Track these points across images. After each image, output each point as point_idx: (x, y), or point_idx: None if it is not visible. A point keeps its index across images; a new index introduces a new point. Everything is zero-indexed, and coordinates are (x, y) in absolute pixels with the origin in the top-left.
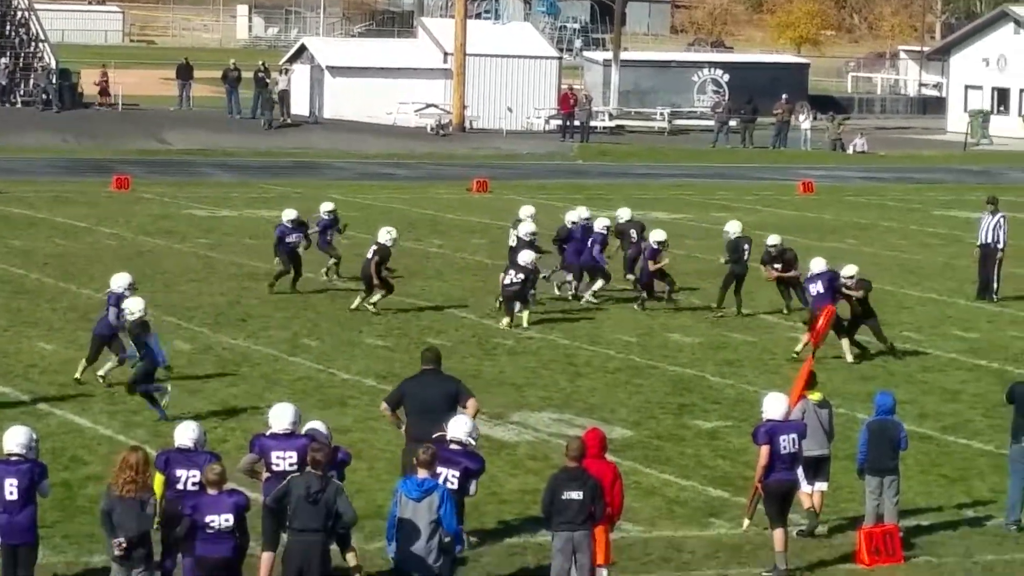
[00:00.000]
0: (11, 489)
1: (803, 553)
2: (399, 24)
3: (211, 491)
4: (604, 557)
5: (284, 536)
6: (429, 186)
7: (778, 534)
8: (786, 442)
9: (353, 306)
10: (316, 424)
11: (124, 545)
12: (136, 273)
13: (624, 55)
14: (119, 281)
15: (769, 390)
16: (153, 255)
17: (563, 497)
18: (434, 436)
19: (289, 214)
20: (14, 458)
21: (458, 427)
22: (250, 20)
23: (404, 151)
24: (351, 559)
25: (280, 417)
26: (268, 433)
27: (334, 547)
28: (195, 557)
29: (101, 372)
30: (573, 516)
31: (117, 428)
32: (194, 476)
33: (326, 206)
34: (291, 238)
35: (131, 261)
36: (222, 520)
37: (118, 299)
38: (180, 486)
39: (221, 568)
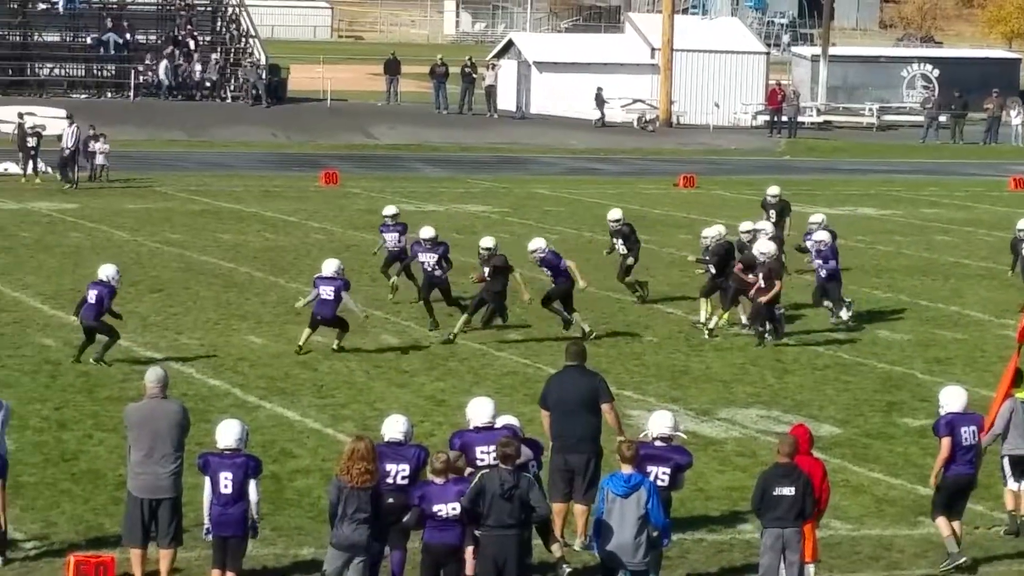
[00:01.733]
0: (226, 482)
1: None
2: (606, 19)
3: (437, 480)
4: (811, 554)
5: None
6: (635, 181)
7: (941, 521)
8: (966, 434)
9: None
10: (509, 419)
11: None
12: (344, 267)
13: (832, 50)
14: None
15: (979, 389)
16: (361, 249)
17: (775, 493)
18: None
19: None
20: (228, 452)
21: (662, 422)
22: (457, 16)
23: (610, 146)
24: (556, 550)
25: (481, 411)
26: (472, 428)
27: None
28: (423, 544)
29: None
30: (784, 513)
31: (325, 421)
32: (403, 470)
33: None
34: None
35: (339, 255)
36: (449, 509)
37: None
38: (390, 480)
39: (448, 555)
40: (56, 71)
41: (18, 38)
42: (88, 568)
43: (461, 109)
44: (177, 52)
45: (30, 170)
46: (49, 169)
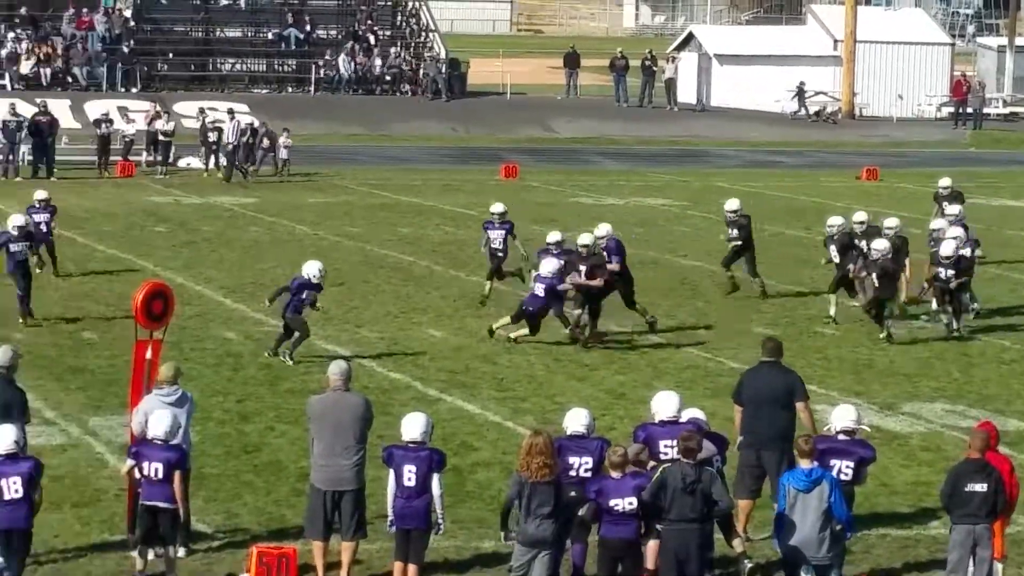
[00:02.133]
0: (409, 475)
1: None
2: (787, 11)
3: (614, 474)
4: (999, 551)
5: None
6: (817, 174)
7: None
8: None
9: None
10: (695, 413)
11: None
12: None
13: (1019, 41)
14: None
15: None
16: (538, 244)
17: (966, 489)
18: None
19: (497, 207)
20: (413, 445)
21: (845, 416)
22: (637, 8)
23: (791, 139)
24: (737, 545)
25: (666, 405)
26: (656, 421)
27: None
28: (600, 539)
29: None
30: (976, 509)
31: (506, 414)
32: (586, 463)
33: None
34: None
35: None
36: (625, 503)
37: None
38: (573, 473)
39: (625, 549)
40: (237, 66)
41: (200, 34)
42: (270, 559)
43: (641, 102)
44: (357, 47)
45: (212, 165)
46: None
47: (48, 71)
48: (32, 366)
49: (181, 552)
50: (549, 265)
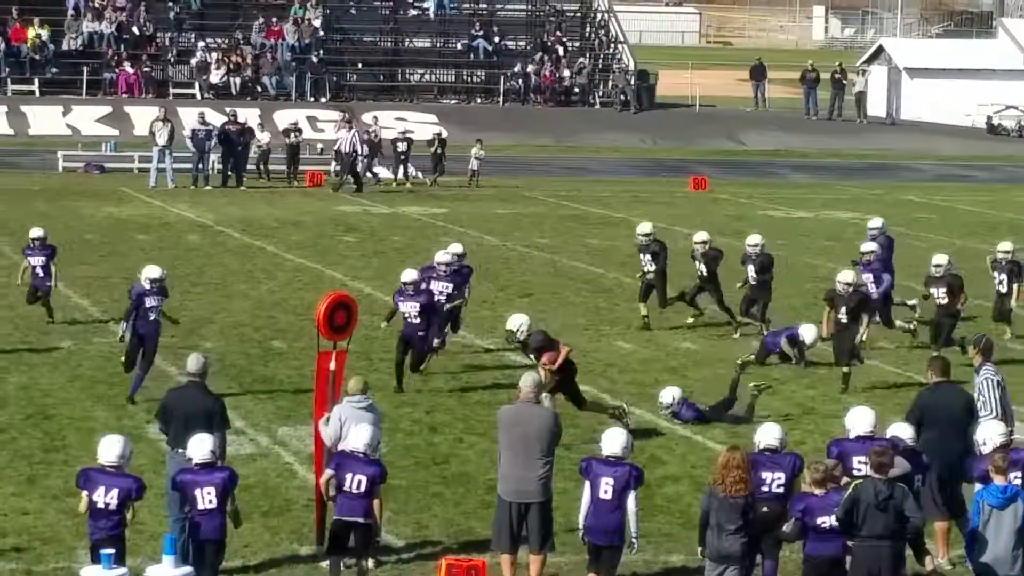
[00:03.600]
0: (606, 488)
1: None
2: (978, 24)
3: (817, 491)
4: None
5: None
6: (1010, 188)
7: None
8: None
9: None
10: (898, 429)
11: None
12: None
13: None
14: None
15: None
16: (727, 256)
17: None
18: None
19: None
20: (612, 459)
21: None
22: (826, 21)
23: (983, 152)
24: (928, 563)
25: (861, 420)
26: (851, 437)
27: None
28: (805, 556)
29: None
30: None
31: (695, 429)
32: (779, 478)
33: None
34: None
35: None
36: (831, 520)
37: None
38: (765, 488)
39: (832, 567)
40: (426, 77)
41: (389, 44)
42: (459, 571)
43: (831, 115)
44: (546, 58)
45: (400, 175)
46: (420, 174)
47: (238, 80)
48: (222, 375)
49: (370, 564)
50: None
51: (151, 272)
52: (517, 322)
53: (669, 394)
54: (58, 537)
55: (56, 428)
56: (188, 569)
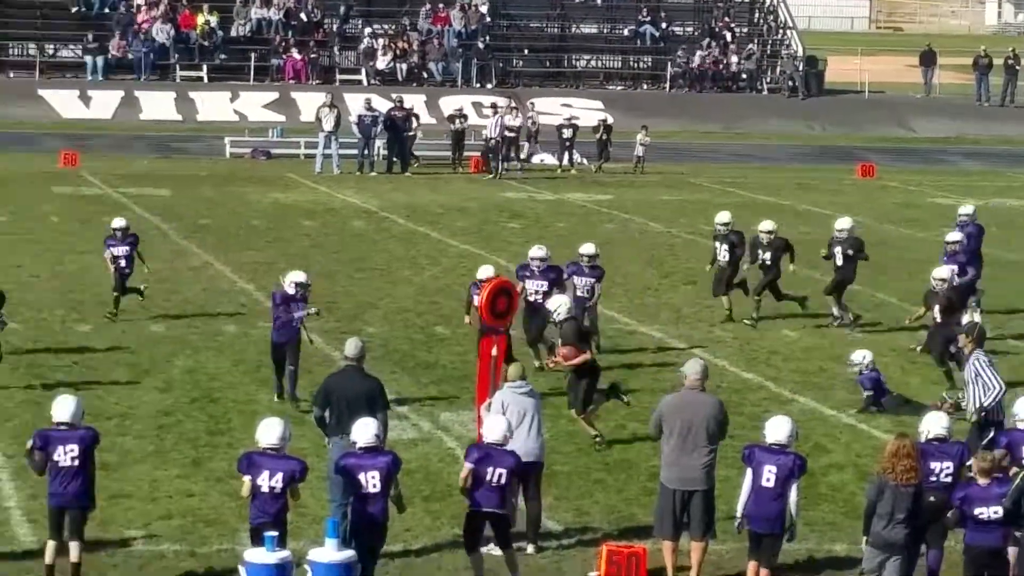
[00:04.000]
0: (769, 476)
1: None
2: None
3: (981, 481)
4: None
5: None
6: None
7: None
8: None
9: None
10: None
11: None
12: (875, 262)
13: None
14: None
15: None
16: (894, 244)
17: None
18: None
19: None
20: (776, 447)
21: None
22: (999, 6)
23: None
24: None
25: None
26: (1021, 427)
27: None
28: (965, 547)
29: None
30: None
31: (860, 417)
32: (947, 468)
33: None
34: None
35: (873, 249)
36: (991, 511)
37: None
38: (933, 478)
39: (991, 557)
40: (592, 63)
41: (556, 30)
42: (620, 558)
43: (1003, 102)
44: (713, 43)
45: (566, 161)
46: (585, 160)
47: (404, 66)
48: (386, 360)
49: (530, 549)
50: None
51: (296, 276)
52: (556, 303)
53: (861, 354)
54: (222, 519)
55: (221, 411)
56: (350, 553)
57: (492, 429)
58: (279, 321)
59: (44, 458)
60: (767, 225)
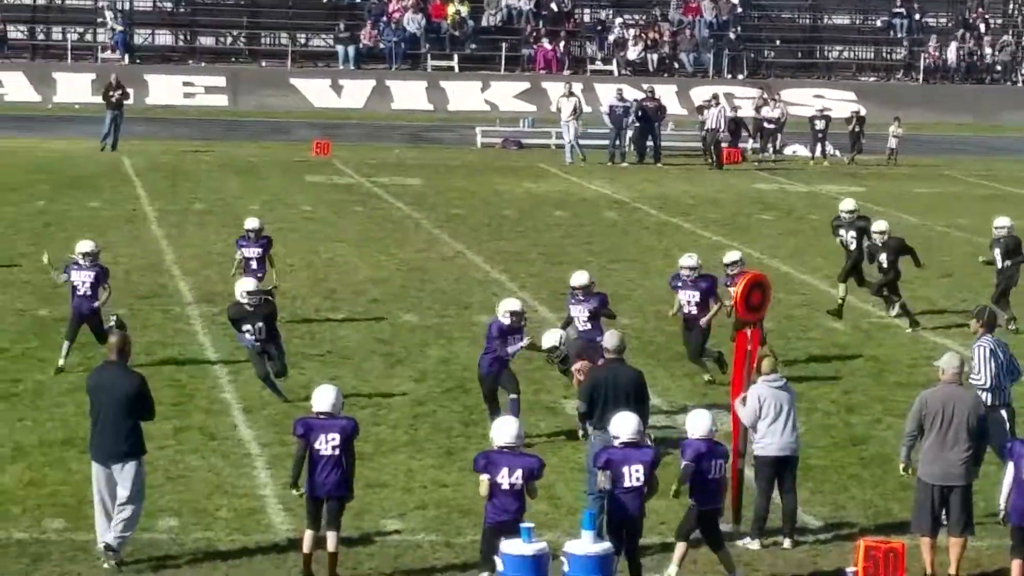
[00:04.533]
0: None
1: None
2: None
3: None
4: None
5: None
6: None
7: None
8: None
9: None
10: None
11: None
12: None
13: None
14: None
15: None
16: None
17: None
18: None
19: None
20: None
21: None
22: None
23: None
24: None
25: None
26: None
27: None
28: None
29: None
30: None
31: None
32: None
33: None
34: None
35: None
36: None
37: None
38: None
39: None
40: (844, 54)
41: (808, 21)
42: (878, 554)
43: None
44: (967, 34)
45: (818, 153)
46: (837, 152)
47: (655, 57)
48: (639, 352)
49: (787, 544)
50: None
51: (511, 305)
52: (554, 338)
53: None
54: (476, 510)
55: (474, 402)
56: (607, 545)
57: (697, 424)
58: (491, 356)
59: (304, 446)
60: (880, 225)
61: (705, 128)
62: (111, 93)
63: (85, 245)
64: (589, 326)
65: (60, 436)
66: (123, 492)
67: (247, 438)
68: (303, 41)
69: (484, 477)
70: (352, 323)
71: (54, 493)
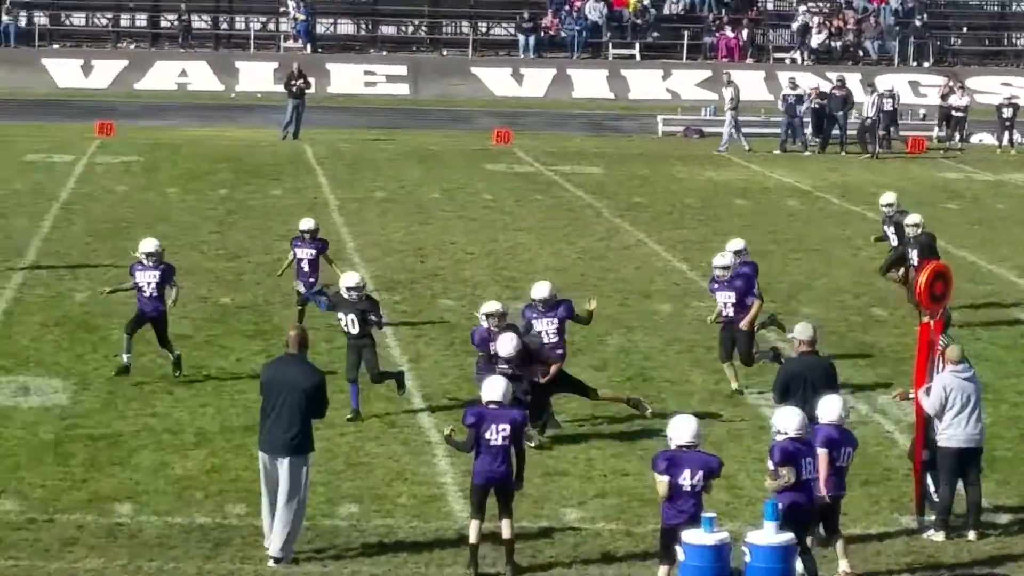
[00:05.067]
0: None
1: None
2: None
3: None
4: None
5: None
6: None
7: None
8: None
9: None
10: None
11: None
12: None
13: None
14: None
15: None
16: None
17: None
18: None
19: None
20: None
21: None
22: None
23: None
24: None
25: None
26: None
27: None
28: None
29: None
30: None
31: None
32: None
33: None
34: None
35: None
36: None
37: None
38: None
39: None
40: None
41: (996, 8)
42: None
43: None
44: None
45: (1005, 141)
46: None
47: (839, 44)
48: (821, 342)
49: (972, 535)
50: None
51: (488, 307)
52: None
53: None
54: (657, 499)
55: (655, 391)
56: (790, 535)
57: (829, 408)
58: (481, 362)
59: (474, 436)
60: (914, 218)
61: (863, 116)
62: (293, 82)
63: (148, 244)
64: (557, 338)
65: (242, 423)
66: (283, 489)
67: (427, 425)
68: (484, 30)
69: (664, 479)
70: None
71: (236, 479)
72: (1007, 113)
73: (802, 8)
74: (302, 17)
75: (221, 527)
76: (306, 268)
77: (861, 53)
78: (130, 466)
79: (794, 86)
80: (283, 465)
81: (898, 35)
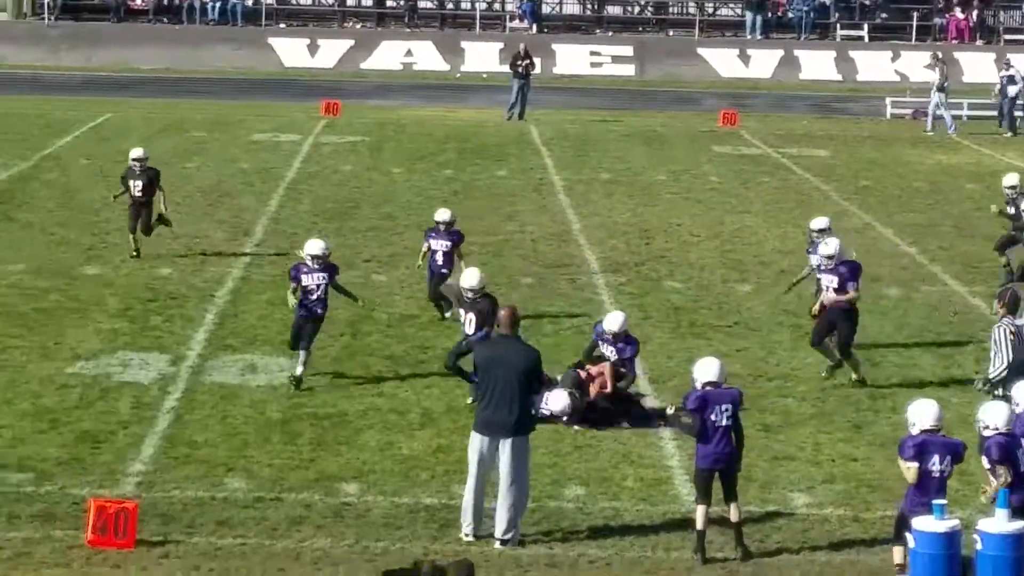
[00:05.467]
0: None
1: None
2: None
3: None
4: None
5: None
6: None
7: None
8: None
9: None
10: None
11: None
12: None
13: None
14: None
15: None
16: None
17: None
18: None
19: None
20: None
21: None
22: None
23: None
24: None
25: None
26: None
27: None
28: None
29: None
30: None
31: None
32: None
33: None
34: None
35: None
36: None
37: None
38: None
39: None
40: None
41: None
42: None
43: None
44: None
45: None
46: None
47: None
48: None
49: None
50: None
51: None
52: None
53: None
54: (885, 485)
55: (884, 376)
56: (1022, 524)
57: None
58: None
59: (700, 419)
60: (1011, 179)
61: (1002, 95)
62: (518, 62)
63: (314, 246)
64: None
65: (468, 403)
66: (506, 471)
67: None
68: (711, 10)
69: (913, 465)
70: (759, 295)
71: (462, 459)
72: None
73: None
74: None
75: (447, 507)
76: (439, 260)
77: None
78: (356, 446)
79: (1008, 65)
80: (505, 446)
81: None
